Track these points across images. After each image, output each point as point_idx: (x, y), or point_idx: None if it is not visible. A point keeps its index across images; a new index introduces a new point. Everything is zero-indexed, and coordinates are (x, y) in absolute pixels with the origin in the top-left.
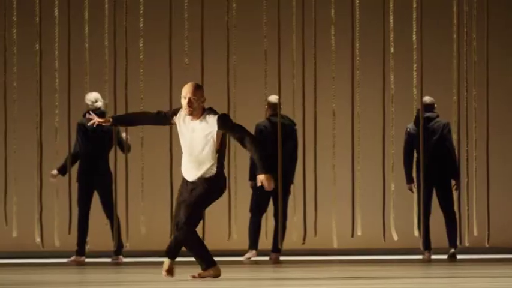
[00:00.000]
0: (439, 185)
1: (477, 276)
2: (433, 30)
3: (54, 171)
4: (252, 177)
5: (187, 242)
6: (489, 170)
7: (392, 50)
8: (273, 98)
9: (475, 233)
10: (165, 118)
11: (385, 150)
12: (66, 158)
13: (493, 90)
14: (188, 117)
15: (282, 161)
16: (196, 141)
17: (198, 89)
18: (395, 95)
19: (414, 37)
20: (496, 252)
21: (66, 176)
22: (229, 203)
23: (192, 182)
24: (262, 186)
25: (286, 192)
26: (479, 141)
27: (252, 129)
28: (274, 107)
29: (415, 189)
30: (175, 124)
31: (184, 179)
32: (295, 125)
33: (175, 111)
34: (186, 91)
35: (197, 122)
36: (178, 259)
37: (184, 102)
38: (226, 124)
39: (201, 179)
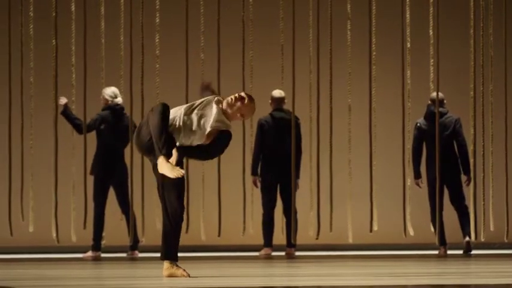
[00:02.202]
0: (450, 181)
1: (492, 272)
2: (450, 25)
3: (64, 101)
4: (254, 172)
5: None
6: (507, 165)
7: (408, 45)
8: (277, 93)
9: (492, 228)
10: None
11: (404, 146)
12: (80, 122)
13: (510, 85)
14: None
15: (285, 155)
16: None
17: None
18: (411, 90)
19: (431, 32)
20: (510, 248)
21: (82, 172)
22: (244, 198)
23: None
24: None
25: (293, 187)
26: (496, 136)
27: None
28: (277, 102)
29: (422, 185)
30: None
31: None
32: (298, 119)
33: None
34: (249, 114)
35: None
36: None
37: (237, 114)
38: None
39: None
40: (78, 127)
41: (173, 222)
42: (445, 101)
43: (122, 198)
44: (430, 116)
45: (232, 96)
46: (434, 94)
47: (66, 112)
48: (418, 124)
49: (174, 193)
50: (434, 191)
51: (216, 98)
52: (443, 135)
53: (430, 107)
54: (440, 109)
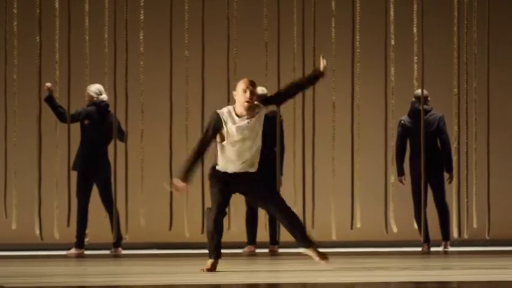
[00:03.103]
0: (432, 178)
1: (475, 269)
2: (434, 22)
3: (49, 85)
4: None
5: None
6: (489, 162)
7: (392, 42)
8: (259, 90)
9: (475, 225)
10: (209, 138)
11: (386, 143)
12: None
13: (493, 82)
14: (235, 117)
15: (269, 152)
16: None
17: (255, 84)
18: (395, 87)
19: (415, 29)
20: (495, 245)
21: (65, 169)
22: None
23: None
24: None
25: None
26: (479, 133)
27: None
28: (259, 99)
29: (405, 182)
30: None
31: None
32: (281, 116)
33: (218, 117)
34: (247, 85)
35: (252, 119)
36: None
37: (244, 96)
38: (268, 99)
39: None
40: (61, 115)
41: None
42: (429, 98)
43: (105, 196)
44: (414, 113)
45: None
46: (418, 91)
47: (50, 99)
48: (402, 121)
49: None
50: (418, 188)
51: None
52: (427, 133)
53: (414, 104)
54: (425, 106)
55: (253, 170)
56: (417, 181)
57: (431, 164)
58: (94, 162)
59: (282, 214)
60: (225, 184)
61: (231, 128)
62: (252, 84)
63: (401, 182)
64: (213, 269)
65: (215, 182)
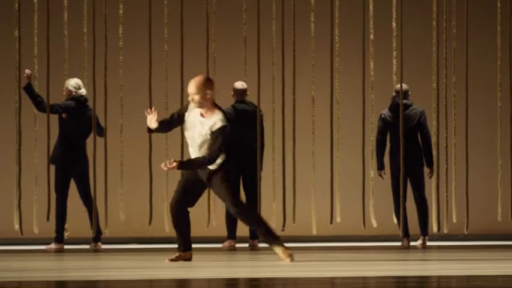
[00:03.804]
0: (412, 172)
1: (454, 263)
2: (413, 17)
3: (29, 72)
4: None
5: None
6: (468, 157)
7: (372, 37)
8: (239, 85)
9: (454, 220)
10: (179, 118)
11: (364, 137)
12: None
13: (472, 77)
14: (195, 111)
15: (248, 147)
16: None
17: (194, 84)
18: (374, 82)
19: (394, 24)
20: (474, 240)
21: (45, 163)
22: (208, 190)
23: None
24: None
25: (256, 180)
26: (458, 128)
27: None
28: (240, 94)
29: (385, 176)
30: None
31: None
32: (261, 111)
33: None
34: (188, 88)
35: (205, 119)
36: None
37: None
38: (215, 134)
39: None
40: (40, 105)
41: None
42: (409, 93)
43: (83, 190)
44: (394, 107)
45: None
46: (398, 85)
47: (29, 88)
48: (383, 115)
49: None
50: (397, 182)
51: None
52: (407, 127)
53: (395, 99)
54: (405, 101)
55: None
56: (397, 175)
57: (411, 159)
58: (72, 156)
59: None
60: (188, 175)
61: (187, 118)
62: (189, 88)
63: (380, 176)
64: (175, 259)
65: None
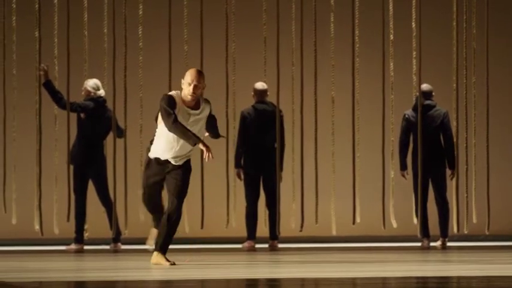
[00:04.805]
0: (434, 174)
1: (474, 264)
2: (433, 17)
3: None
4: (238, 165)
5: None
6: (489, 158)
7: (391, 37)
8: (259, 85)
9: (474, 221)
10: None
11: (384, 138)
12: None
13: (492, 77)
14: (184, 104)
15: (267, 148)
16: (191, 128)
17: (202, 76)
18: (394, 82)
19: (413, 24)
20: (495, 240)
21: (65, 164)
22: (227, 190)
23: (175, 165)
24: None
25: (276, 180)
26: (479, 128)
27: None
28: (260, 94)
29: (407, 176)
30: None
31: (157, 159)
32: (281, 111)
33: (174, 100)
34: (192, 77)
35: (196, 111)
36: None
37: (189, 88)
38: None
39: (186, 163)
40: (60, 101)
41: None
42: (433, 94)
43: (101, 190)
44: (417, 108)
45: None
46: (422, 86)
47: (48, 84)
48: (407, 115)
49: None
50: (421, 182)
51: (174, 96)
52: (430, 128)
53: (420, 99)
54: (429, 102)
55: (179, 162)
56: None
57: (433, 160)
58: (89, 156)
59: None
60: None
61: (177, 111)
62: (198, 79)
63: (403, 176)
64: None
65: (145, 169)
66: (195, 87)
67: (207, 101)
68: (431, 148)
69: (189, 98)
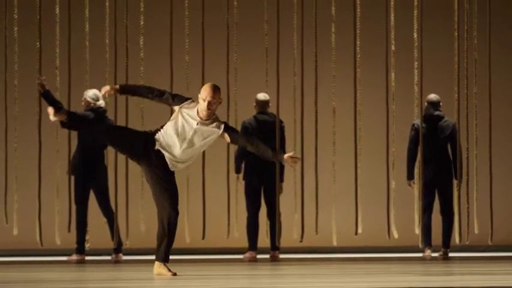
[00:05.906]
0: (441, 184)
1: (476, 274)
2: (434, 27)
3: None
4: (238, 170)
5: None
6: (491, 168)
7: (393, 48)
8: (261, 96)
9: (476, 231)
10: (168, 100)
11: (388, 148)
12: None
13: (494, 87)
14: (195, 115)
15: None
16: (195, 140)
17: (217, 91)
18: (396, 93)
19: (415, 35)
20: (497, 251)
21: (65, 174)
22: (228, 200)
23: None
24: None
25: (276, 191)
26: (480, 138)
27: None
28: (261, 105)
29: (414, 186)
30: (174, 110)
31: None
32: (282, 122)
33: (183, 102)
34: (206, 93)
35: (205, 121)
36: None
37: (204, 104)
38: (231, 129)
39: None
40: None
41: (166, 226)
42: (441, 104)
43: (102, 201)
44: (428, 118)
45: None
46: (430, 96)
47: (47, 94)
48: (416, 125)
49: (165, 198)
50: (427, 192)
51: (188, 104)
52: (439, 139)
53: (429, 110)
54: (438, 112)
55: (173, 169)
56: (427, 186)
57: (441, 170)
58: (90, 167)
59: None
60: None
61: (184, 116)
62: (212, 95)
63: (410, 185)
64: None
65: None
66: (209, 103)
67: (219, 121)
68: (440, 158)
69: (204, 113)
